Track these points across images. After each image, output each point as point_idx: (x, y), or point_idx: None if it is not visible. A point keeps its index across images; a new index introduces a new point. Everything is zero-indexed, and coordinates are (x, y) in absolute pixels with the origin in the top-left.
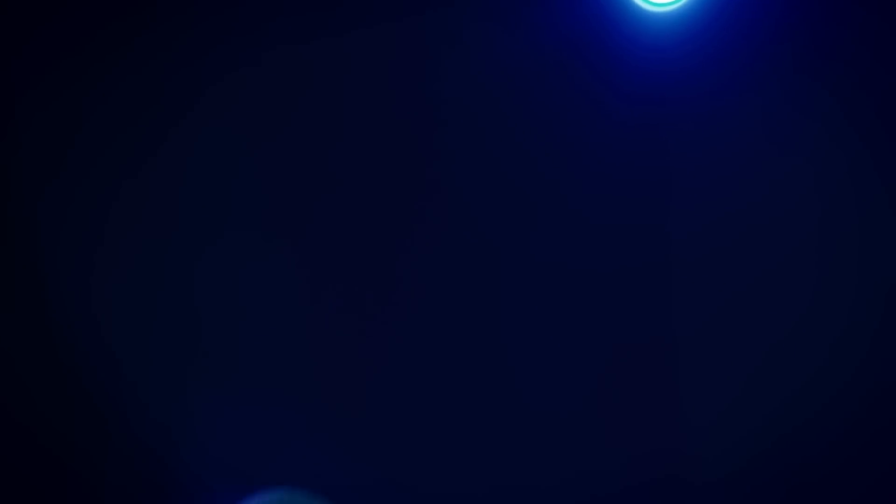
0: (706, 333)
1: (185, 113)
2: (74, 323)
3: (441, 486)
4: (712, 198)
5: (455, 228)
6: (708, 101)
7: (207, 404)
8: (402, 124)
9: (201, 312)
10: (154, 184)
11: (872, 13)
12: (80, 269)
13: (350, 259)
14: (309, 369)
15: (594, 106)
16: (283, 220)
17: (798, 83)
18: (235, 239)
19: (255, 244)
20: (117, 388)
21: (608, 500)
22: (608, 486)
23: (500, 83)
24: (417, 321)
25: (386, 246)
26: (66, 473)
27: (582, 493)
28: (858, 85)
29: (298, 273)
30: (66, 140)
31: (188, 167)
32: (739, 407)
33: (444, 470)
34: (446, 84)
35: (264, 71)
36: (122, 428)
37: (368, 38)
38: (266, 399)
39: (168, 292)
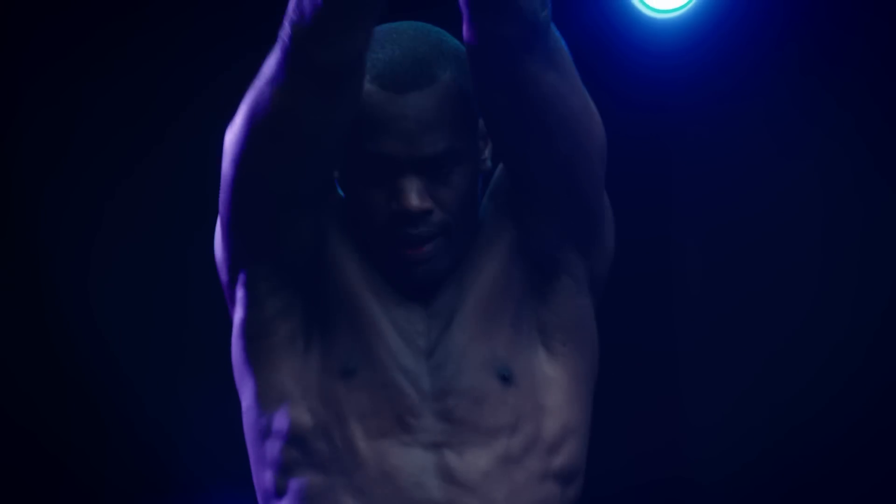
0: (709, 338)
1: (182, 112)
2: (71, 322)
3: None
4: (715, 205)
5: None
6: (711, 109)
7: (203, 404)
8: None
9: (197, 312)
10: (149, 186)
11: (878, 20)
12: (77, 268)
13: None
14: None
15: (598, 112)
16: None
17: (801, 91)
18: None
19: None
20: (114, 387)
21: (615, 499)
22: (614, 487)
23: None
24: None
25: None
26: (64, 471)
27: (588, 494)
28: (862, 93)
29: None
30: (65, 139)
31: (184, 167)
32: (741, 409)
33: None
34: None
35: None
36: (119, 426)
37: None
38: None
39: (165, 292)
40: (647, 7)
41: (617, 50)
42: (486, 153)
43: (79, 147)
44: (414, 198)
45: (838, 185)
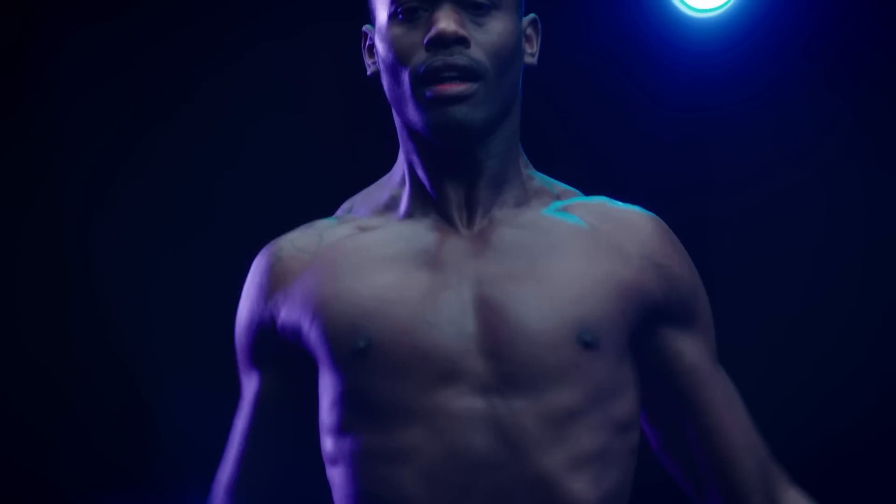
0: (744, 310)
1: (182, 108)
2: (68, 317)
3: None
4: (751, 193)
5: None
6: (748, 107)
7: (194, 397)
8: None
9: (190, 306)
10: (149, 184)
11: None
12: (75, 264)
13: None
14: None
15: (635, 110)
16: (276, 219)
17: (839, 89)
18: (228, 235)
19: (246, 241)
20: (110, 383)
21: (650, 483)
22: (650, 471)
23: (542, 87)
24: None
25: None
26: (38, 466)
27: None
28: (883, 104)
29: None
30: (67, 134)
31: (188, 167)
32: (769, 387)
33: None
34: None
35: (273, 66)
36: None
37: None
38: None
39: (159, 284)
40: (687, 6)
41: (656, 48)
42: (534, 47)
43: (77, 144)
44: (450, 22)
45: (865, 180)
